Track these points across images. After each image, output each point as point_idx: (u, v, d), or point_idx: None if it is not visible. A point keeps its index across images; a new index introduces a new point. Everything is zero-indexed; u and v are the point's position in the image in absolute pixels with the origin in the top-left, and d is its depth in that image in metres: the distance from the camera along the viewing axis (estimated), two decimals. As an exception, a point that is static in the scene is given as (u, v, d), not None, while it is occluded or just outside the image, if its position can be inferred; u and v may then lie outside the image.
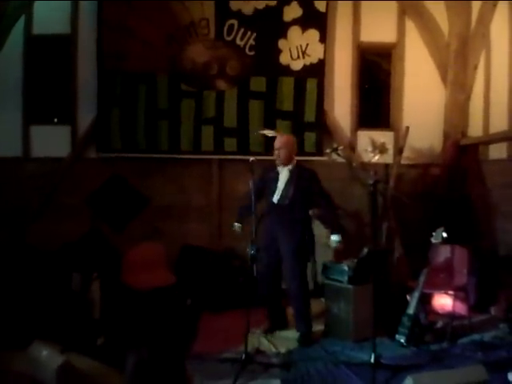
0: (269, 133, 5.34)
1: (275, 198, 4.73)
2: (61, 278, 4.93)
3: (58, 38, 6.63)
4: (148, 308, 4.52)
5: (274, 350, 4.51)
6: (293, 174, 4.73)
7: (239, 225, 4.86)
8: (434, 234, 4.70)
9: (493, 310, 5.40)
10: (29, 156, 6.58)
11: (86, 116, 6.56)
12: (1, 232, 6.13)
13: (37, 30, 6.57)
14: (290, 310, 4.94)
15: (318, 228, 6.09)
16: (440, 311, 5.22)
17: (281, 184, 4.75)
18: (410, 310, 4.59)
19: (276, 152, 4.75)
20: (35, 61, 6.65)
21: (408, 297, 4.76)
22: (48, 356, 3.54)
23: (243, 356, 4.06)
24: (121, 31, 6.43)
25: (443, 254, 5.08)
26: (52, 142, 6.55)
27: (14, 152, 6.51)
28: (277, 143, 4.77)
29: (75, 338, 4.14)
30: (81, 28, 6.57)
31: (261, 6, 6.52)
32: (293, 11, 6.54)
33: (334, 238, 4.68)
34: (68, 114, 6.65)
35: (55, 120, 6.81)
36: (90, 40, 6.47)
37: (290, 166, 4.75)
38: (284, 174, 4.76)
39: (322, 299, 5.21)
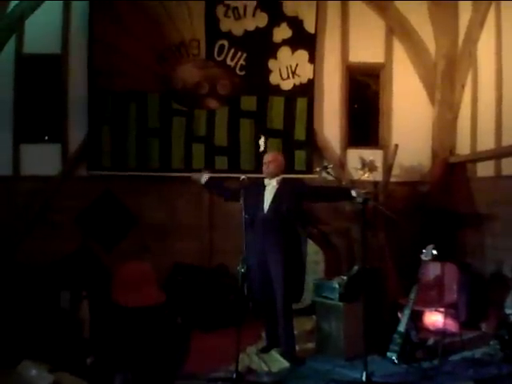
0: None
1: (265, 209, 4.69)
2: (50, 297, 4.88)
3: (48, 57, 6.66)
4: (138, 327, 4.48)
5: (265, 368, 4.48)
6: (280, 187, 4.74)
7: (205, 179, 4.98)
8: (424, 251, 4.73)
9: (483, 327, 5.42)
10: (19, 174, 6.55)
11: (76, 134, 6.56)
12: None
13: (28, 49, 6.59)
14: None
15: (308, 246, 6.11)
16: (431, 328, 5.22)
17: (269, 196, 4.73)
18: (401, 328, 4.59)
19: (265, 166, 4.80)
20: (26, 79, 6.66)
21: (399, 314, 4.77)
22: (37, 375, 3.52)
23: (234, 375, 4.03)
24: (112, 50, 6.48)
25: (433, 270, 5.10)
26: (42, 160, 6.52)
27: (4, 170, 6.48)
28: (267, 157, 4.86)
29: (64, 358, 4.08)
30: (71, 47, 6.60)
31: (251, 27, 6.62)
32: (282, 32, 6.64)
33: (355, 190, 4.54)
34: (58, 133, 6.65)
35: (46, 138, 6.81)
36: (81, 59, 6.51)
37: (277, 178, 4.78)
38: (271, 186, 4.76)
39: (313, 317, 5.20)
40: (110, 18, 6.45)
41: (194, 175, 5.20)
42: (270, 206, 4.69)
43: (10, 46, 6.55)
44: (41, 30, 6.54)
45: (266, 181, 4.82)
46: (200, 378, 4.17)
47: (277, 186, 4.75)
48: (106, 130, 6.51)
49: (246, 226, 4.36)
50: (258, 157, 6.55)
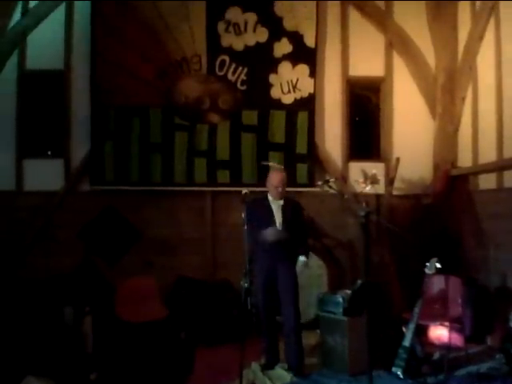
0: (272, 165, 5.38)
1: (278, 226, 4.74)
2: (53, 312, 4.87)
3: (51, 73, 6.71)
4: (141, 342, 4.46)
5: (269, 384, 4.45)
6: (286, 206, 4.82)
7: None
8: (427, 264, 4.71)
9: (489, 341, 5.38)
10: (22, 189, 6.57)
11: (79, 149, 6.59)
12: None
13: (30, 64, 6.64)
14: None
15: (311, 259, 6.10)
16: (436, 343, 5.18)
17: (276, 212, 4.79)
18: (406, 342, 4.55)
19: (277, 189, 4.79)
20: (28, 95, 6.71)
21: (404, 328, 4.73)
22: (40, 392, 3.49)
23: (238, 391, 4.00)
24: (114, 66, 6.53)
25: (437, 284, 5.07)
26: (45, 175, 6.54)
27: (7, 185, 6.50)
28: (279, 181, 4.83)
29: (67, 373, 4.06)
30: (74, 63, 6.65)
31: (251, 42, 6.68)
32: (283, 47, 6.69)
33: (303, 258, 4.78)
34: (61, 148, 6.68)
35: (49, 153, 6.83)
36: (84, 75, 6.56)
37: (282, 200, 4.84)
38: (277, 205, 4.81)
39: (317, 331, 5.17)
40: (112, 35, 6.52)
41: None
42: (281, 224, 4.75)
43: (13, 61, 6.60)
44: (43, 46, 6.60)
45: (271, 198, 4.85)
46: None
47: (283, 205, 4.82)
48: (108, 145, 6.54)
49: (257, 244, 4.51)
50: (260, 170, 6.61)
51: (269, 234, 4.67)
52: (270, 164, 5.92)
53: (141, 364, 4.23)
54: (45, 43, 6.61)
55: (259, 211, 4.77)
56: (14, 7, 6.51)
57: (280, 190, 4.80)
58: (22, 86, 6.65)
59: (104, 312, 4.85)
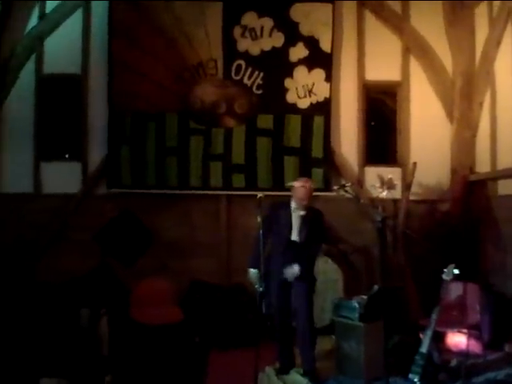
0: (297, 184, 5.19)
1: (293, 236, 4.72)
2: (69, 314, 4.90)
3: (68, 77, 6.78)
4: (156, 344, 4.46)
5: (284, 389, 4.42)
6: (306, 216, 4.75)
7: (255, 271, 4.67)
8: (445, 270, 4.66)
9: (507, 348, 5.29)
10: (40, 192, 6.63)
11: (96, 153, 6.65)
12: (10, 267, 6.12)
13: (47, 69, 6.72)
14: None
15: (327, 264, 6.08)
16: (453, 349, 5.10)
17: (296, 223, 4.74)
18: (423, 349, 4.49)
19: (302, 199, 4.72)
20: (46, 99, 6.78)
21: (421, 335, 4.68)
22: (56, 393, 3.50)
23: (253, 395, 3.98)
24: (131, 71, 6.58)
25: (455, 291, 5.03)
26: (63, 178, 6.61)
27: (25, 188, 6.57)
28: (305, 194, 4.73)
29: (83, 375, 4.08)
30: (91, 68, 6.71)
31: (267, 47, 6.69)
32: (299, 52, 6.69)
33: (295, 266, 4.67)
34: (79, 151, 6.74)
35: (66, 156, 6.90)
36: (101, 79, 6.61)
37: (304, 211, 4.77)
38: (298, 214, 4.75)
39: (332, 336, 5.13)
40: (129, 40, 6.58)
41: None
42: (298, 232, 4.72)
43: (30, 66, 6.68)
44: (60, 51, 6.68)
45: (294, 207, 4.78)
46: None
47: (304, 216, 4.75)
48: (125, 149, 6.58)
49: (272, 250, 4.52)
50: (276, 175, 6.61)
51: (289, 273, 4.64)
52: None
53: (155, 366, 4.23)
54: (62, 48, 6.68)
55: (279, 218, 4.76)
56: (31, 12, 6.58)
57: (305, 203, 4.72)
58: (39, 90, 6.72)
59: (120, 314, 4.86)
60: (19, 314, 4.87)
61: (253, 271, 4.69)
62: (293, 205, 4.79)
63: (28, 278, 6.09)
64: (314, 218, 4.78)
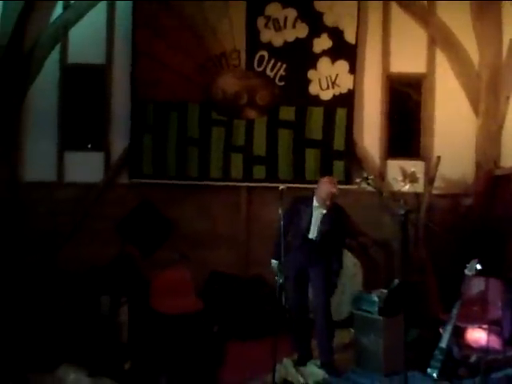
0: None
1: (310, 234, 4.71)
2: (90, 302, 4.97)
3: (92, 67, 6.84)
4: (175, 333, 4.50)
5: (301, 381, 4.42)
6: (328, 214, 4.70)
7: (276, 262, 4.68)
8: (467, 265, 4.60)
9: (528, 345, 5.21)
10: (63, 181, 6.73)
11: (118, 143, 6.71)
12: (32, 255, 6.22)
13: (72, 59, 6.79)
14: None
15: (346, 257, 6.04)
16: (473, 345, 5.04)
17: (315, 220, 4.70)
18: (443, 344, 4.47)
19: (327, 202, 4.65)
20: (70, 89, 6.85)
21: (440, 330, 4.64)
22: (75, 379, 3.57)
23: (271, 386, 3.99)
24: (154, 61, 6.61)
25: (477, 286, 4.95)
26: (85, 167, 6.70)
27: (48, 177, 6.67)
28: (329, 194, 4.63)
29: (102, 362, 4.14)
30: (115, 57, 6.76)
31: (291, 38, 6.64)
32: (322, 43, 6.63)
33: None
34: (101, 141, 6.81)
35: (89, 146, 6.97)
36: (124, 69, 6.66)
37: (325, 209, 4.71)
38: (319, 213, 4.70)
39: (351, 329, 5.11)
40: (153, 30, 6.60)
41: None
42: (315, 230, 4.69)
43: (55, 55, 6.75)
44: (84, 41, 6.73)
45: (316, 204, 4.72)
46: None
47: (325, 214, 4.70)
48: (147, 139, 6.62)
49: (291, 243, 4.54)
50: (296, 167, 6.59)
51: None
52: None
53: (173, 355, 4.27)
54: (86, 38, 6.73)
55: (300, 212, 4.73)
56: (56, 2, 6.64)
57: (328, 203, 4.65)
58: (63, 80, 6.79)
59: (139, 303, 4.92)
60: (41, 301, 4.96)
61: (274, 262, 4.71)
62: (315, 202, 4.73)
63: (50, 266, 6.19)
64: (335, 216, 4.73)
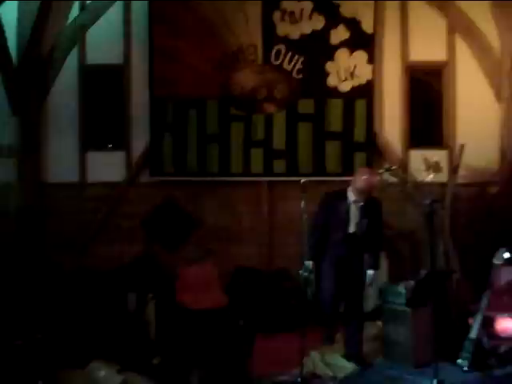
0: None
1: (351, 228, 4.64)
2: (117, 299, 5.02)
3: (110, 67, 6.90)
4: (201, 328, 4.52)
5: (330, 374, 4.41)
6: (366, 207, 4.63)
7: (310, 263, 4.61)
8: (495, 254, 4.53)
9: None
10: (85, 181, 6.81)
11: (139, 141, 6.75)
12: (60, 254, 6.30)
13: (90, 60, 6.85)
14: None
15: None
16: (503, 335, 4.96)
17: (354, 213, 4.63)
18: (473, 334, 4.44)
19: (364, 195, 4.59)
20: (89, 89, 6.91)
21: (470, 320, 4.58)
22: (106, 375, 3.60)
23: (299, 379, 3.98)
24: (172, 58, 6.64)
25: (506, 275, 4.88)
26: (107, 167, 6.76)
27: (71, 177, 6.75)
28: (367, 186, 4.57)
29: (132, 358, 4.17)
30: (133, 57, 6.80)
31: (307, 30, 6.59)
32: (340, 34, 6.57)
33: (371, 272, 4.70)
34: (122, 140, 6.87)
35: (110, 146, 7.03)
36: (142, 68, 6.70)
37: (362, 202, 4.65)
38: (357, 203, 4.63)
39: (378, 322, 5.08)
40: (169, 28, 6.62)
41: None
42: (356, 225, 4.63)
43: (73, 56, 6.82)
44: (102, 41, 6.78)
45: (351, 197, 4.64)
46: (264, 382, 4.14)
47: (363, 206, 4.63)
48: (167, 137, 6.65)
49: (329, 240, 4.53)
50: (317, 160, 6.55)
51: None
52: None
53: (201, 349, 4.29)
54: (103, 38, 6.78)
55: (336, 208, 4.64)
56: (72, 3, 6.68)
57: (365, 196, 4.59)
58: (82, 81, 6.86)
59: (166, 299, 4.95)
60: (69, 299, 5.02)
61: (308, 263, 4.58)
62: (350, 196, 4.64)
63: (77, 265, 6.26)
64: (373, 209, 4.66)
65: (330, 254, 4.64)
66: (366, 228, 4.62)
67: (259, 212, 6.73)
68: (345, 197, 4.67)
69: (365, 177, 4.56)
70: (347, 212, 4.63)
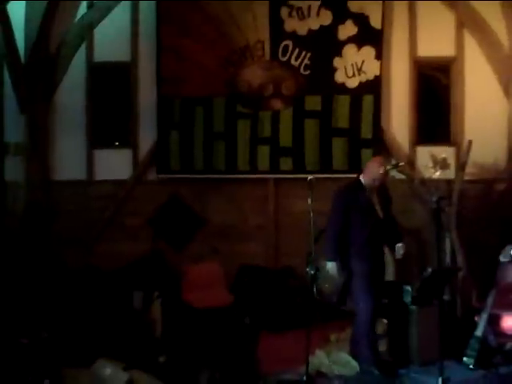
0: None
1: (379, 216, 4.49)
2: (123, 298, 5.05)
3: (118, 65, 6.92)
4: (207, 327, 4.54)
5: (336, 372, 4.40)
6: (382, 194, 4.57)
7: (334, 263, 4.42)
8: (502, 252, 4.51)
9: None
10: (93, 179, 6.85)
11: (146, 139, 6.77)
12: (66, 252, 6.35)
13: (97, 57, 6.87)
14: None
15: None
16: (509, 333, 4.94)
17: (376, 203, 4.51)
18: (479, 332, 4.41)
19: (376, 182, 4.49)
20: (97, 87, 6.94)
21: (476, 318, 4.56)
22: (112, 373, 3.63)
23: (304, 378, 3.99)
24: (179, 57, 6.65)
25: (512, 273, 4.84)
26: (115, 165, 6.80)
27: (78, 175, 6.80)
28: (382, 174, 4.49)
29: (137, 356, 4.19)
30: (140, 55, 6.82)
31: (315, 26, 6.57)
32: (348, 29, 6.54)
33: (400, 245, 4.56)
34: (129, 138, 6.89)
35: (116, 144, 7.06)
36: (149, 66, 6.72)
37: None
38: (372, 191, 4.53)
39: (384, 320, 5.06)
40: (177, 26, 6.63)
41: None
42: (382, 213, 4.51)
43: (81, 54, 6.85)
44: (110, 39, 6.80)
45: (368, 187, 4.51)
46: (269, 380, 4.15)
47: (380, 194, 4.54)
48: (174, 135, 6.67)
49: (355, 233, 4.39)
50: (323, 157, 6.53)
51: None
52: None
53: (207, 347, 4.31)
54: (111, 36, 6.80)
55: (357, 200, 4.48)
56: (80, 2, 6.71)
57: (377, 183, 4.50)
58: (90, 79, 6.89)
59: (172, 298, 4.97)
60: (76, 297, 5.06)
61: (331, 264, 4.43)
62: (365, 185, 4.52)
63: (83, 263, 6.31)
64: (385, 193, 4.61)
65: (360, 249, 4.42)
66: (385, 213, 4.52)
67: (265, 210, 6.73)
68: (361, 187, 4.54)
69: (382, 166, 4.49)
70: (370, 201, 4.48)
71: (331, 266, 4.43)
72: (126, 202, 6.75)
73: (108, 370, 3.68)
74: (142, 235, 6.30)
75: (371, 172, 4.53)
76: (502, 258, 4.50)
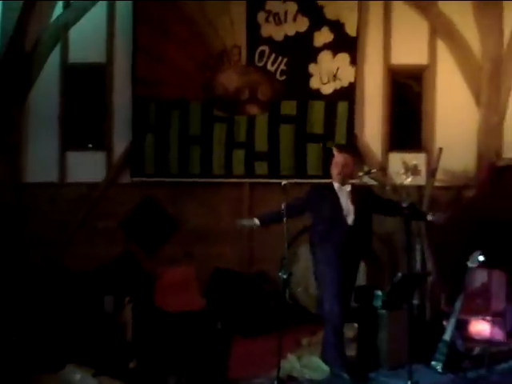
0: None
1: (349, 219, 4.45)
2: (93, 301, 5.00)
3: (93, 66, 6.85)
4: (179, 331, 4.53)
5: (307, 376, 4.42)
6: (356, 193, 4.51)
7: (257, 223, 4.66)
8: (470, 257, 4.59)
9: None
10: (65, 181, 6.76)
11: (120, 142, 6.72)
12: (36, 255, 6.27)
13: (72, 58, 6.80)
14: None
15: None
16: (477, 337, 5.05)
17: (345, 201, 4.46)
18: (447, 336, 4.47)
19: (338, 168, 4.49)
20: (71, 88, 6.87)
21: (444, 322, 4.64)
22: (81, 379, 3.59)
23: (276, 382, 4.01)
24: (155, 59, 6.61)
25: (480, 278, 4.97)
26: (87, 167, 6.72)
27: (50, 177, 6.70)
28: (342, 159, 4.52)
29: (107, 362, 4.16)
30: (116, 56, 6.77)
31: (291, 32, 6.62)
32: (323, 36, 6.61)
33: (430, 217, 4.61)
34: (103, 140, 6.83)
35: (90, 146, 6.99)
36: (125, 68, 6.67)
37: (349, 186, 4.52)
38: (345, 192, 4.50)
39: (355, 324, 5.11)
40: (153, 28, 6.61)
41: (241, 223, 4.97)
42: (355, 215, 4.44)
43: (55, 55, 6.77)
44: (85, 40, 6.74)
45: (337, 186, 4.53)
46: (241, 384, 4.17)
47: (351, 193, 4.51)
48: (149, 138, 6.63)
49: (319, 237, 4.41)
50: (298, 162, 6.58)
51: None
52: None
53: (178, 352, 4.30)
54: (86, 37, 6.74)
55: (325, 196, 4.49)
56: (56, 1, 6.64)
57: (341, 170, 4.43)
58: (64, 79, 6.81)
59: (143, 302, 4.95)
60: (44, 300, 4.99)
61: (255, 221, 4.66)
62: (335, 184, 4.54)
63: (54, 266, 6.23)
64: (367, 196, 4.56)
65: (327, 257, 4.40)
66: (357, 215, 4.43)
67: (240, 214, 6.70)
68: (331, 186, 4.56)
69: (337, 168, 4.50)
70: (338, 200, 4.47)
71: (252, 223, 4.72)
72: (98, 204, 6.68)
73: (77, 375, 3.65)
74: (115, 238, 6.25)
75: (332, 174, 4.59)
76: (469, 264, 4.56)
